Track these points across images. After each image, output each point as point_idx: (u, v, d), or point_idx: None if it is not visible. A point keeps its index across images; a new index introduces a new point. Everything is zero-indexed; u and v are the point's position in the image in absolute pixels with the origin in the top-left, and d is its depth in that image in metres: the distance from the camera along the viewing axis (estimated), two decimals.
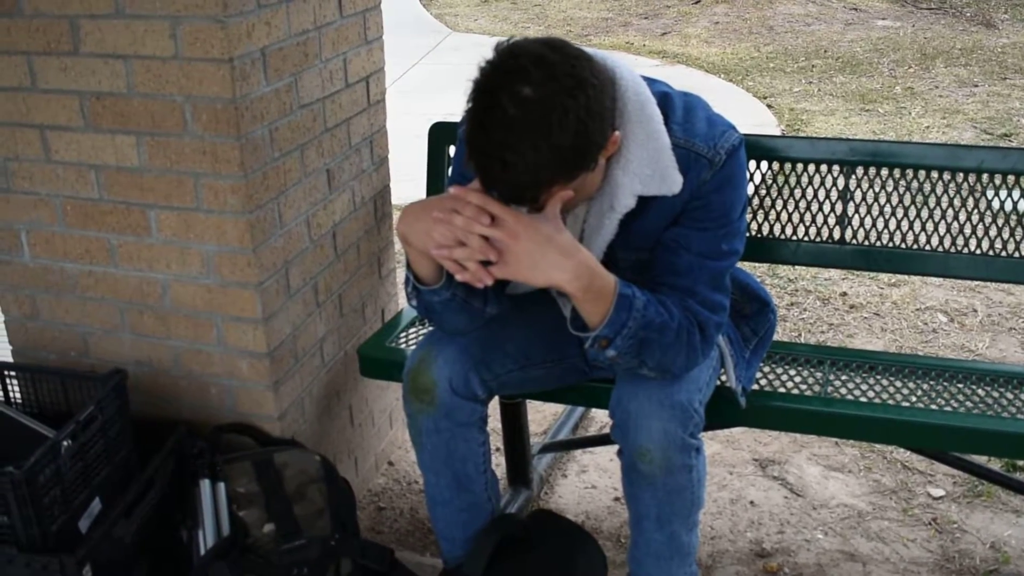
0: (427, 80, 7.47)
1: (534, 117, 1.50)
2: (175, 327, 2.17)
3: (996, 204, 2.28)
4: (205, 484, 2.04)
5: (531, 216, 1.64)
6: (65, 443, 1.88)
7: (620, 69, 1.71)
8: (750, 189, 2.31)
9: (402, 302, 2.74)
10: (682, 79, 7.19)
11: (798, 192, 2.34)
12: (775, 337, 2.23)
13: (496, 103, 1.52)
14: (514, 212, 1.63)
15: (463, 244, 1.65)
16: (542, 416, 3.01)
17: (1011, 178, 2.21)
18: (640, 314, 1.70)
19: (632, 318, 1.70)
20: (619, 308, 1.69)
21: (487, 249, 1.64)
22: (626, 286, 1.71)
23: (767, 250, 2.38)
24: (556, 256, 1.64)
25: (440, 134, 2.50)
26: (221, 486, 2.04)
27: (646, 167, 1.72)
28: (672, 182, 1.73)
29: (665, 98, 1.78)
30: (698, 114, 1.79)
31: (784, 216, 2.35)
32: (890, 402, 2.10)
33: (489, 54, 1.56)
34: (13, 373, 2.20)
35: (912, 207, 2.29)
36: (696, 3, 10.39)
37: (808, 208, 2.34)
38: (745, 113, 6.30)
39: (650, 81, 1.79)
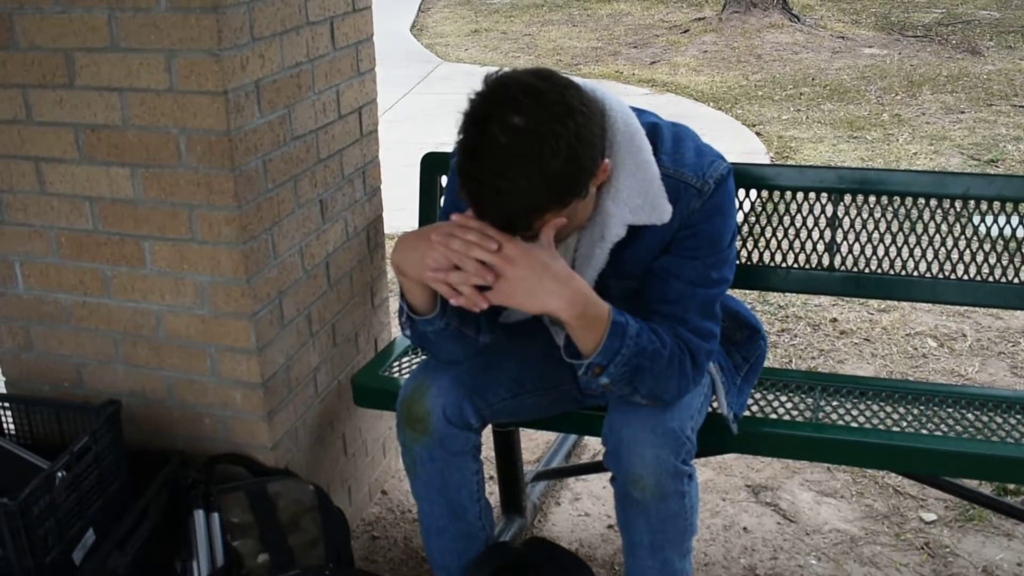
0: (418, 110, 7.51)
1: (525, 145, 1.52)
2: (169, 358, 2.17)
3: (983, 230, 2.30)
4: (199, 515, 2.04)
5: (527, 243, 1.65)
6: (59, 474, 1.88)
7: (609, 100, 1.73)
8: (740, 217, 2.34)
9: (395, 331, 2.75)
10: (671, 107, 7.25)
11: (787, 220, 2.36)
12: (766, 364, 2.24)
13: (487, 132, 1.54)
14: (511, 239, 1.64)
15: (458, 269, 1.66)
16: (535, 444, 3.02)
17: (997, 204, 2.23)
18: (633, 342, 1.72)
19: (625, 346, 1.71)
20: (612, 336, 1.70)
21: (483, 272, 1.64)
22: (619, 314, 1.72)
23: (757, 277, 2.40)
24: (551, 283, 1.65)
25: (432, 164, 2.52)
26: (215, 516, 2.05)
27: (636, 197, 1.74)
28: (662, 211, 1.75)
29: (654, 128, 1.81)
30: (687, 144, 1.82)
31: (774, 243, 2.38)
32: (881, 427, 2.12)
33: (479, 85, 1.59)
34: (7, 404, 2.21)
35: (900, 233, 2.31)
36: (685, 32, 10.48)
37: (797, 235, 2.36)
38: (734, 141, 6.35)
39: (639, 112, 1.81)
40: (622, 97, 1.80)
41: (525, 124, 1.52)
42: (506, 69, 1.62)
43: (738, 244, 2.36)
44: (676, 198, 1.76)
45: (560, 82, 1.58)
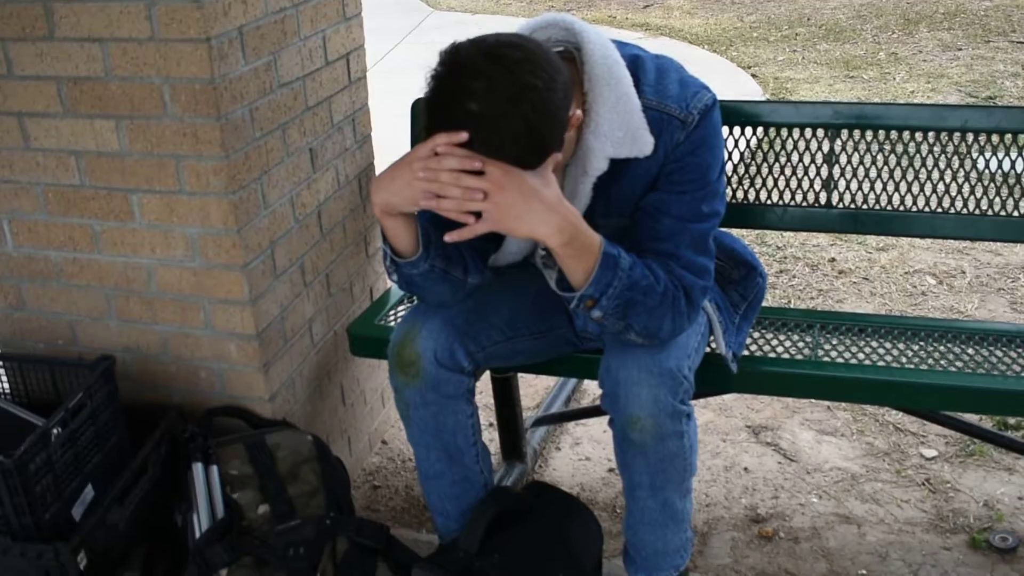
0: (410, 60, 7.43)
1: (484, 131, 1.54)
2: (162, 312, 2.16)
3: (981, 163, 2.28)
4: (198, 468, 2.03)
5: (519, 170, 1.61)
6: (55, 431, 1.87)
7: (586, 33, 1.72)
8: (735, 156, 2.31)
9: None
10: (665, 51, 7.08)
11: (783, 157, 2.33)
12: (764, 303, 2.23)
13: (451, 117, 1.56)
14: (501, 164, 1.60)
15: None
16: (534, 390, 3.01)
17: (995, 137, 2.20)
18: (626, 274, 1.70)
19: (617, 278, 1.69)
20: (604, 267, 1.68)
21: (473, 196, 1.61)
22: (612, 246, 1.70)
23: (754, 216, 2.38)
24: (540, 209, 1.62)
25: (421, 110, 2.48)
26: (214, 469, 2.04)
27: (617, 129, 1.71)
28: (644, 143, 1.73)
29: (636, 60, 1.78)
30: (670, 76, 1.79)
31: (770, 181, 2.35)
32: (880, 363, 2.10)
33: (434, 63, 1.60)
34: (1, 363, 2.19)
35: (898, 168, 2.29)
36: None
37: (794, 173, 2.33)
38: (730, 83, 6.28)
39: (621, 44, 1.79)
40: None
41: (478, 110, 1.53)
42: (460, 41, 1.59)
43: (734, 183, 2.34)
44: (660, 130, 1.74)
45: (511, 59, 1.54)
